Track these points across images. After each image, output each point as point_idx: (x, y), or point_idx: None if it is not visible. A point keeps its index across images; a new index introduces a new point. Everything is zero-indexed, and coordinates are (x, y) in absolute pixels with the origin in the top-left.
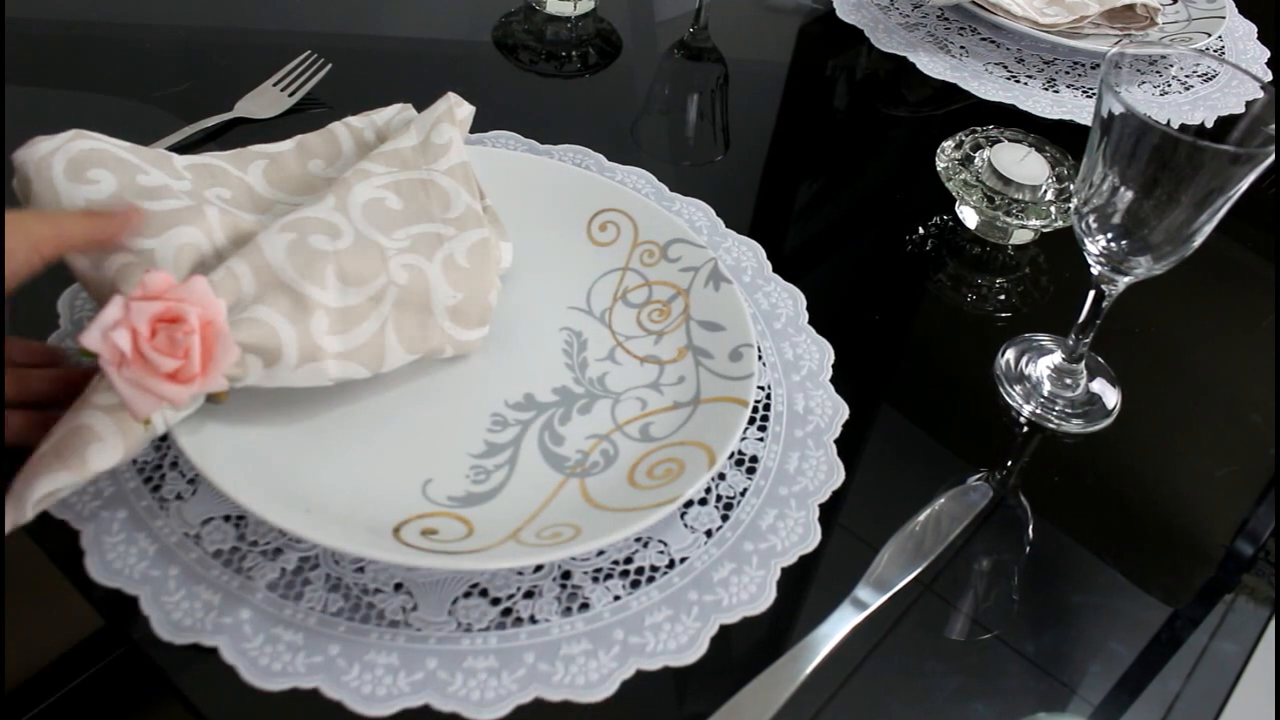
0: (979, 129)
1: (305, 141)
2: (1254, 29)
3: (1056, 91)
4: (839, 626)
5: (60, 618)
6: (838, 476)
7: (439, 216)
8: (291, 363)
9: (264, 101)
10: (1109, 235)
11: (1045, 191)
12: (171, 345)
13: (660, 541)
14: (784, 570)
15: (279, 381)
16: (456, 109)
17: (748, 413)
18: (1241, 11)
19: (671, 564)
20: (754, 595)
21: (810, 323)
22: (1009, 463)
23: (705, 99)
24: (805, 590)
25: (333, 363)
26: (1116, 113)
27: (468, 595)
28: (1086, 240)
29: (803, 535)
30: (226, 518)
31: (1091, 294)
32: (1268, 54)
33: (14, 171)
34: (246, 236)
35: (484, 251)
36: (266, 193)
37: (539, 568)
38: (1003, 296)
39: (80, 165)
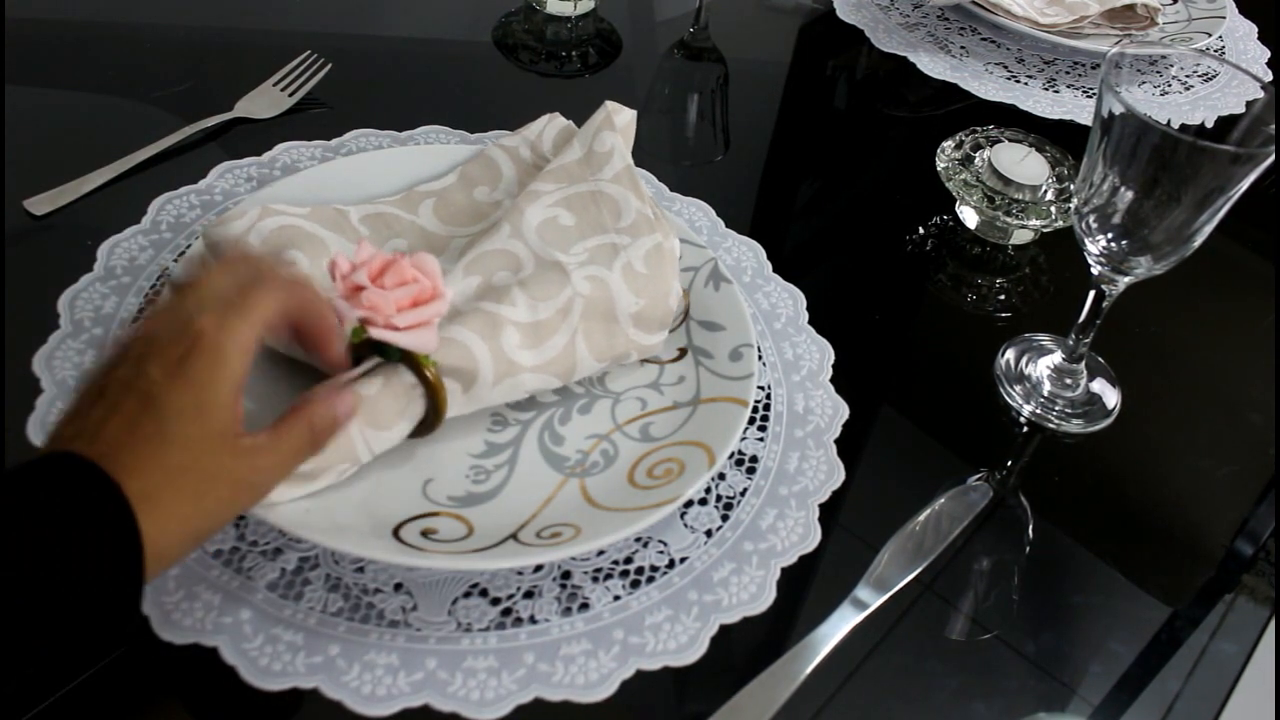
0: (979, 129)
1: (466, 171)
2: (1254, 29)
3: (1057, 91)
4: (839, 626)
5: None
6: (838, 476)
7: (611, 226)
8: (489, 380)
9: (264, 101)
10: (1109, 235)
11: (1045, 191)
12: (399, 278)
13: (660, 541)
14: (784, 570)
15: (479, 403)
16: (615, 115)
17: (748, 413)
18: (1241, 11)
19: (671, 564)
20: (754, 595)
21: (810, 323)
22: (1009, 463)
23: (705, 99)
24: (805, 590)
25: (528, 376)
26: (1117, 113)
27: (468, 595)
28: (1086, 240)
29: (803, 535)
30: None
31: (1091, 294)
32: (1268, 54)
33: (207, 245)
34: None
35: (659, 256)
36: (441, 230)
37: (539, 568)
38: (1003, 296)
39: (276, 248)
